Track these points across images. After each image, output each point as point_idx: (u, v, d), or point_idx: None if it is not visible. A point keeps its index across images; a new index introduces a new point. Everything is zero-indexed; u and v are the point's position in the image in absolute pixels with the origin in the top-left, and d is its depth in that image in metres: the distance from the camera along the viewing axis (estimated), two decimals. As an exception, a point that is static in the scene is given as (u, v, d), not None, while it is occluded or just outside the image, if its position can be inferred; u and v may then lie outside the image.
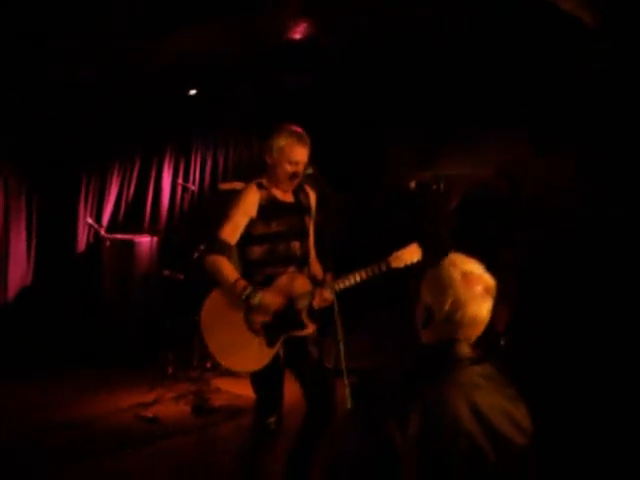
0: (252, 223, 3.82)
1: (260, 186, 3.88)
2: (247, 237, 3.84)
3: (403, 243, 4.04)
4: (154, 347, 7.01)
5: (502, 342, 4.64)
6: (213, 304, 3.82)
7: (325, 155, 7.10)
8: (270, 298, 3.74)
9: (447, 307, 2.03)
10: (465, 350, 2.05)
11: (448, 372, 2.00)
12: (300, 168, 3.84)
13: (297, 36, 7.01)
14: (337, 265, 3.92)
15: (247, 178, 6.16)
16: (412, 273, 3.87)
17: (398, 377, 2.06)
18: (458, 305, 2.02)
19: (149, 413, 5.82)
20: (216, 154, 8.84)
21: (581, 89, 6.43)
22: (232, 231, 3.78)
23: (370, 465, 1.85)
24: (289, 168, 3.82)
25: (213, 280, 3.80)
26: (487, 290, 2.07)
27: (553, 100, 6.70)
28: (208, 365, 6.63)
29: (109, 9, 5.73)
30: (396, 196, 7.49)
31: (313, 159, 3.93)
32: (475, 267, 2.10)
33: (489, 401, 1.97)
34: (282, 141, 3.84)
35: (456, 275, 2.06)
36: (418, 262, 4.01)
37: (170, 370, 6.71)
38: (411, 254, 4.00)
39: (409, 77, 7.53)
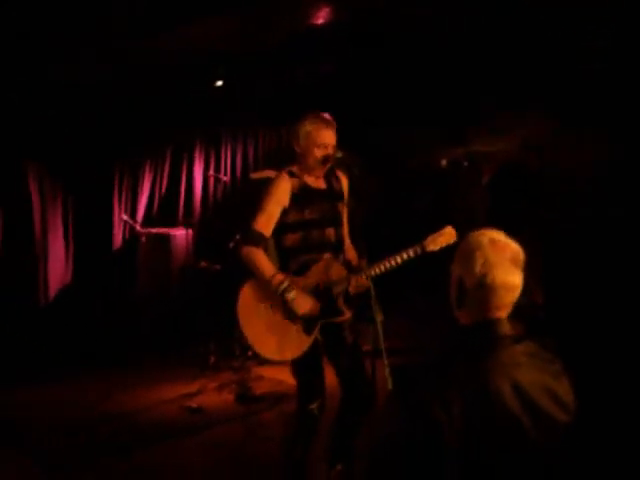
0: (285, 212, 3.82)
1: (291, 174, 3.87)
2: (281, 226, 3.84)
3: (435, 225, 4.02)
4: (195, 338, 7.08)
5: (541, 315, 4.58)
6: (249, 294, 3.82)
7: (354, 139, 7.13)
8: (303, 298, 3.73)
9: (477, 270, 2.00)
10: (506, 329, 2.03)
11: (489, 352, 1.98)
12: (330, 151, 3.82)
13: (319, 21, 6.98)
14: (371, 249, 3.93)
15: (278, 166, 6.22)
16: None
17: (438, 359, 2.05)
18: (488, 267, 1.99)
19: (193, 403, 5.88)
20: (246, 144, 8.88)
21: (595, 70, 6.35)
22: (266, 222, 3.77)
23: (416, 447, 1.86)
24: (318, 152, 3.81)
25: (250, 271, 3.82)
26: (515, 258, 2.04)
27: (573, 79, 6.61)
28: (250, 353, 6.64)
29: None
30: (426, 176, 7.45)
31: (343, 143, 3.93)
32: (502, 236, 2.09)
33: (530, 378, 1.95)
34: (308, 126, 3.83)
35: (484, 240, 2.04)
36: (454, 244, 3.98)
37: (212, 360, 6.78)
38: (447, 237, 3.95)
39: (434, 58, 7.46)
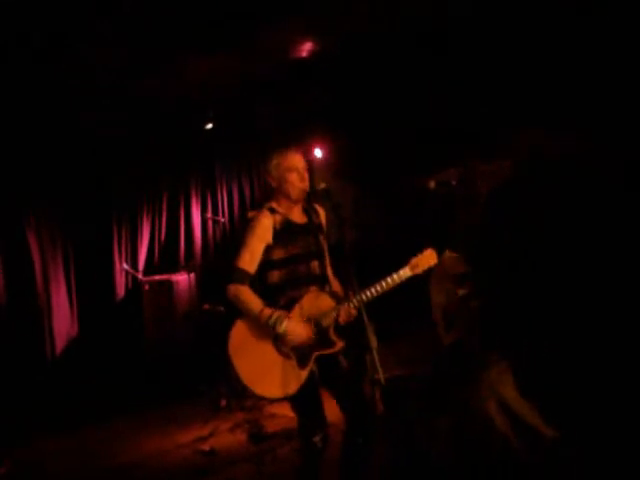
0: (269, 248, 3.83)
1: (272, 211, 3.90)
2: (266, 263, 3.84)
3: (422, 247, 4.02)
4: (204, 381, 7.08)
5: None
6: (239, 333, 3.79)
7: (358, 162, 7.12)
8: (295, 326, 3.72)
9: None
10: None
11: (474, 371, 1.99)
12: (303, 175, 3.89)
13: (303, 54, 7.05)
14: (363, 276, 3.92)
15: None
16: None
17: (426, 381, 2.06)
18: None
19: (206, 446, 5.84)
20: (241, 183, 8.91)
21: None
22: (250, 259, 3.78)
23: (403, 471, 1.86)
24: (292, 177, 3.87)
25: (238, 310, 3.81)
26: None
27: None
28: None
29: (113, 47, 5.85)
30: (419, 198, 7.45)
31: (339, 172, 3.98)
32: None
33: (515, 395, 1.96)
34: (275, 159, 3.95)
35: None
36: (435, 266, 3.97)
37: (223, 402, 6.76)
38: (427, 259, 3.95)
39: (426, 76, 7.47)
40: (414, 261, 3.90)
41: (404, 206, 7.92)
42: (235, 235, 8.51)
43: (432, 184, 6.83)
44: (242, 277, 3.75)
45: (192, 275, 7.91)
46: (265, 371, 3.74)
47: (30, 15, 4.98)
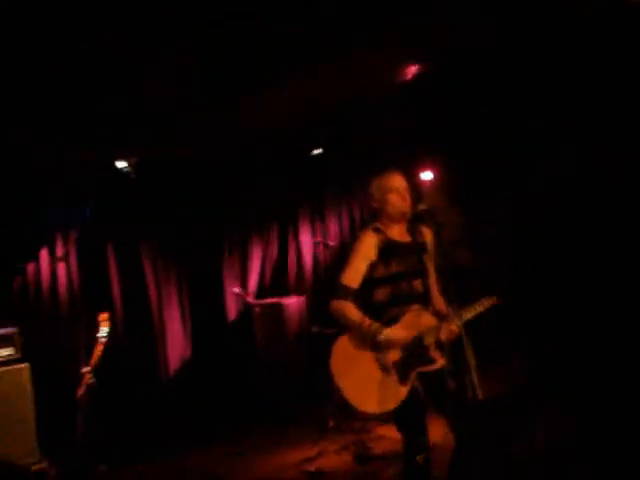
0: (373, 266, 3.90)
1: (376, 230, 3.98)
2: (370, 280, 3.91)
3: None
4: (314, 403, 7.14)
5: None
6: (341, 350, 3.84)
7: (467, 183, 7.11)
8: (396, 333, 3.76)
9: None
10: None
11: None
12: (406, 196, 3.96)
13: (408, 77, 7.07)
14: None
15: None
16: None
17: (515, 397, 2.06)
18: None
19: (312, 467, 5.87)
20: (350, 206, 8.97)
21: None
22: (353, 276, 3.87)
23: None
24: (393, 198, 3.95)
25: (340, 325, 3.87)
26: None
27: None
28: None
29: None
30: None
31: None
32: None
33: None
34: (376, 181, 4.09)
35: None
36: None
37: (331, 423, 6.78)
38: None
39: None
40: None
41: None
42: (342, 259, 8.55)
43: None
44: (345, 293, 3.85)
45: (302, 298, 8.01)
46: (366, 387, 3.75)
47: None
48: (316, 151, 8.15)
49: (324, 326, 7.00)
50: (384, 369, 3.78)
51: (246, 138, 7.47)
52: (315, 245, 8.62)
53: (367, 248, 3.91)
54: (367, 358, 3.79)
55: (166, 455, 6.70)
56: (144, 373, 7.38)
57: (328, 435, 6.60)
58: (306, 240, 8.64)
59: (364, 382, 3.77)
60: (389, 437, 6.29)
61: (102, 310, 6.09)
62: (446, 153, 8.13)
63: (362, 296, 3.95)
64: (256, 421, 7.25)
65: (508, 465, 1.82)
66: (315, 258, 8.73)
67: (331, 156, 8.32)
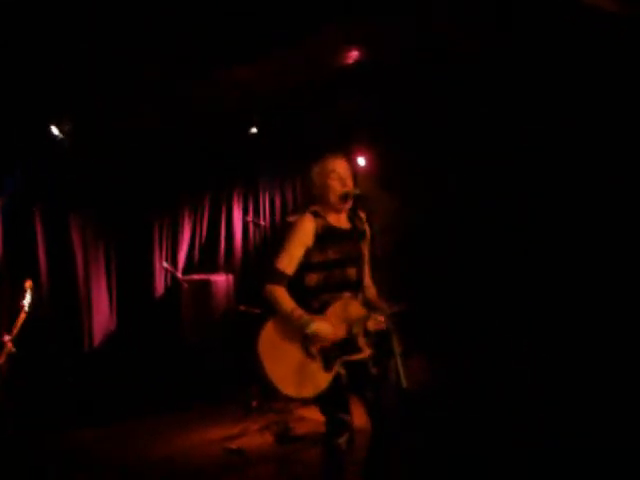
0: (309, 252, 3.87)
1: (315, 214, 3.93)
2: (304, 265, 3.88)
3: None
4: (238, 382, 7.15)
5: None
6: (270, 331, 3.80)
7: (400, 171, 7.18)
8: (325, 328, 3.75)
9: None
10: None
11: None
12: (345, 180, 3.91)
13: (349, 61, 7.08)
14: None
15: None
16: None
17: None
18: None
19: (234, 445, 5.91)
20: (283, 188, 8.98)
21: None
22: (289, 261, 3.82)
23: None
24: (334, 183, 3.90)
25: (271, 309, 3.86)
26: None
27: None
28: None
29: (164, 52, 5.96)
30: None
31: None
32: None
33: None
34: (318, 166, 4.01)
35: None
36: None
37: (255, 403, 6.82)
38: None
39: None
40: None
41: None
42: (275, 239, 8.57)
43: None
44: (279, 278, 3.81)
45: (231, 276, 7.99)
46: (291, 371, 3.75)
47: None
48: (253, 130, 8.09)
49: (252, 305, 7.02)
50: (309, 355, 3.79)
51: (183, 115, 7.40)
52: (246, 224, 8.61)
53: (304, 233, 3.86)
54: (294, 342, 3.78)
55: (85, 426, 6.66)
56: (67, 343, 7.25)
57: (251, 415, 6.68)
58: (237, 218, 8.62)
59: (288, 365, 3.77)
60: (310, 419, 6.39)
61: (27, 278, 5.95)
62: (381, 139, 8.18)
63: (296, 281, 3.95)
64: (178, 398, 7.21)
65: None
66: (245, 237, 8.70)
67: (266, 137, 8.29)
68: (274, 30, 5.77)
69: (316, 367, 3.78)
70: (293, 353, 3.79)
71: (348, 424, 3.88)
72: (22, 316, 5.75)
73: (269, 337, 3.83)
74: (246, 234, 8.70)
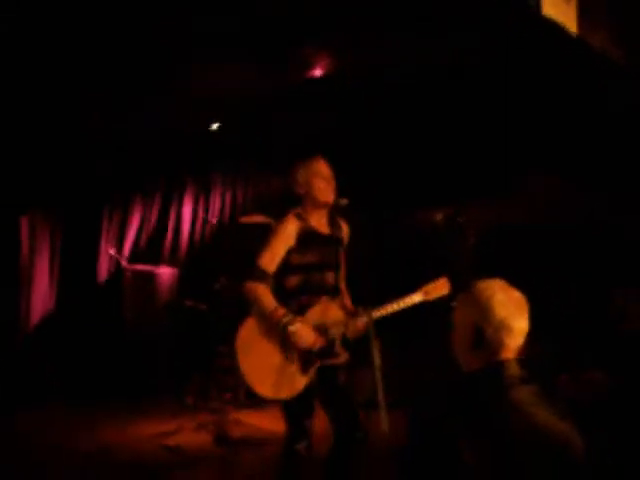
0: (290, 253, 3.90)
1: (299, 216, 3.97)
2: (284, 266, 3.91)
3: (430, 277, 4.10)
4: (174, 377, 7.06)
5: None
6: (248, 331, 3.84)
7: (354, 190, 7.21)
8: (305, 330, 3.78)
9: (497, 314, 2.13)
10: (516, 370, 2.11)
11: (505, 391, 2.05)
12: (331, 182, 3.98)
13: (318, 73, 7.11)
14: (367, 296, 3.98)
15: (267, 212, 6.26)
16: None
17: (453, 402, 2.11)
18: (506, 312, 2.14)
19: (171, 442, 5.83)
20: (235, 188, 8.94)
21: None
22: (271, 260, 3.85)
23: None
24: (319, 183, 3.95)
25: (252, 306, 3.84)
26: (523, 304, 2.21)
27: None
28: (227, 397, 6.67)
29: (133, 43, 5.88)
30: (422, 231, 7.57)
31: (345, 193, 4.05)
32: (508, 285, 2.24)
33: (543, 418, 2.02)
34: (302, 167, 4.03)
35: (497, 287, 2.21)
36: (446, 296, 4.08)
37: (190, 400, 6.75)
38: (441, 288, 4.06)
39: (431, 115, 7.56)
40: (427, 288, 3.98)
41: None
42: (222, 237, 8.51)
43: (439, 217, 6.94)
44: (260, 275, 3.81)
45: (175, 270, 7.90)
46: (267, 371, 3.77)
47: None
48: (214, 125, 8.03)
49: (198, 301, 6.95)
50: (288, 356, 3.79)
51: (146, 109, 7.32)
52: (196, 219, 8.54)
53: (288, 233, 3.89)
54: (273, 342, 3.80)
55: (17, 412, 6.47)
56: (2, 324, 7.01)
57: (185, 411, 6.57)
58: (187, 212, 8.51)
59: (266, 365, 3.79)
60: (246, 423, 6.34)
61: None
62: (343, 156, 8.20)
63: (275, 282, 3.95)
64: (114, 386, 7.06)
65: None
66: (192, 231, 8.61)
67: (227, 135, 8.24)
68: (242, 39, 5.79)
69: (294, 369, 3.79)
70: (271, 353, 3.80)
71: (309, 430, 3.89)
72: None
73: (247, 334, 3.84)
74: (194, 229, 8.59)
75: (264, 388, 3.79)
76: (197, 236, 8.61)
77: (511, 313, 2.13)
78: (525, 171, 7.00)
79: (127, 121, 7.48)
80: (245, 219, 7.54)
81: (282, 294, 3.92)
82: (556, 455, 1.96)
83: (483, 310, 2.16)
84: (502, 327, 2.12)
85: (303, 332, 3.76)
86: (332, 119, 7.94)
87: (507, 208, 7.20)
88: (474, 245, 6.77)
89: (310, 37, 6.13)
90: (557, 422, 2.02)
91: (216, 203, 8.78)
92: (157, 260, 8.13)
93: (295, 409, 3.88)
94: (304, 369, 3.81)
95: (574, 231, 6.73)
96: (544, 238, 6.69)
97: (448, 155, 7.40)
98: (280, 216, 4.09)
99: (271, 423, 6.18)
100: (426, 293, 4.00)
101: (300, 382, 3.79)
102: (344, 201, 3.99)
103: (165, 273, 7.74)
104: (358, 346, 3.88)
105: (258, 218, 7.12)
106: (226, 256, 7.65)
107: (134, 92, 6.94)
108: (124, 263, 7.69)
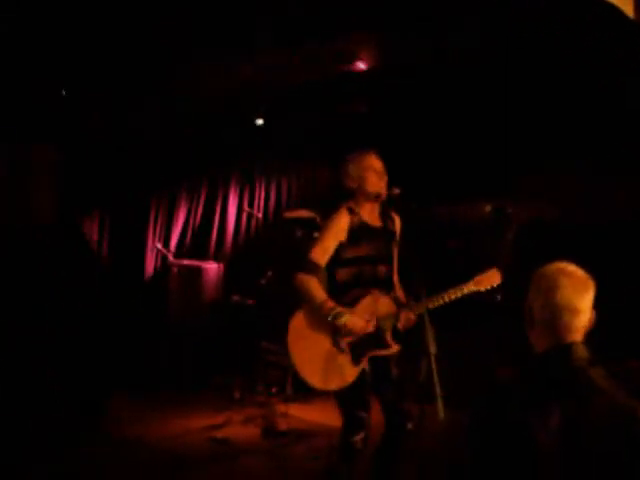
0: (342, 246, 3.93)
1: (350, 211, 3.99)
2: (336, 260, 3.94)
3: (479, 268, 4.07)
4: (221, 372, 7.08)
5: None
6: (299, 323, 3.89)
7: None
8: (356, 321, 3.79)
9: (543, 290, 2.12)
10: (582, 352, 2.08)
11: (579, 374, 2.02)
12: (383, 176, 3.99)
13: (361, 67, 7.10)
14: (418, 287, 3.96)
15: (312, 206, 6.24)
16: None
17: (525, 381, 2.09)
18: (553, 288, 2.11)
19: (219, 434, 5.85)
20: (280, 182, 8.93)
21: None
22: (322, 253, 3.89)
23: (507, 460, 1.87)
24: (372, 177, 3.96)
25: (302, 299, 3.89)
26: (582, 283, 2.14)
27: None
28: (273, 390, 6.68)
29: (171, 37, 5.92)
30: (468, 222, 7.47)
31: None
32: (572, 265, 2.18)
33: (624, 400, 1.98)
34: (354, 160, 4.05)
35: (553, 267, 2.17)
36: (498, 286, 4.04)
37: (237, 394, 6.76)
38: (493, 278, 4.02)
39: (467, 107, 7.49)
40: (478, 278, 3.95)
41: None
42: (267, 232, 8.52)
43: (488, 208, 6.87)
44: (312, 268, 3.86)
45: (221, 265, 7.91)
46: (318, 362, 3.82)
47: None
48: (259, 121, 8.06)
49: (245, 297, 6.97)
50: (338, 348, 3.80)
51: (191, 103, 7.37)
52: (240, 213, 8.55)
53: (339, 228, 3.93)
54: (323, 334, 3.84)
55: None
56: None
57: (233, 406, 6.59)
58: (232, 207, 8.53)
59: (316, 356, 3.84)
60: (293, 416, 6.33)
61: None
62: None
63: (327, 275, 3.97)
64: (160, 383, 7.06)
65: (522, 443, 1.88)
66: (237, 227, 8.63)
67: (271, 130, 8.25)
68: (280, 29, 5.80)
69: (344, 360, 3.81)
70: (322, 344, 3.82)
71: (365, 423, 3.88)
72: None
73: (298, 327, 3.89)
74: (239, 224, 8.61)
75: (315, 379, 3.82)
76: (242, 231, 8.62)
77: (559, 289, 2.09)
78: (559, 169, 6.91)
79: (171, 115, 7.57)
80: (290, 214, 7.54)
81: (334, 287, 3.96)
82: (637, 435, 1.92)
83: (534, 289, 2.14)
84: (547, 305, 2.09)
85: (353, 323, 3.78)
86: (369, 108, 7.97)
87: (543, 204, 7.11)
88: (515, 238, 6.71)
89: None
90: (637, 403, 1.98)
91: (261, 198, 8.78)
92: (203, 256, 8.16)
93: (348, 401, 3.89)
94: (355, 361, 3.82)
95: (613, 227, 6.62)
96: (581, 235, 6.59)
97: (489, 149, 7.32)
98: (325, 210, 4.12)
99: (319, 416, 6.20)
100: (478, 283, 3.97)
101: (350, 373, 3.81)
102: (397, 190, 4.00)
103: (211, 268, 7.74)
104: (412, 336, 3.87)
105: (303, 213, 7.13)
106: (272, 251, 7.68)
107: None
108: (171, 257, 7.73)
